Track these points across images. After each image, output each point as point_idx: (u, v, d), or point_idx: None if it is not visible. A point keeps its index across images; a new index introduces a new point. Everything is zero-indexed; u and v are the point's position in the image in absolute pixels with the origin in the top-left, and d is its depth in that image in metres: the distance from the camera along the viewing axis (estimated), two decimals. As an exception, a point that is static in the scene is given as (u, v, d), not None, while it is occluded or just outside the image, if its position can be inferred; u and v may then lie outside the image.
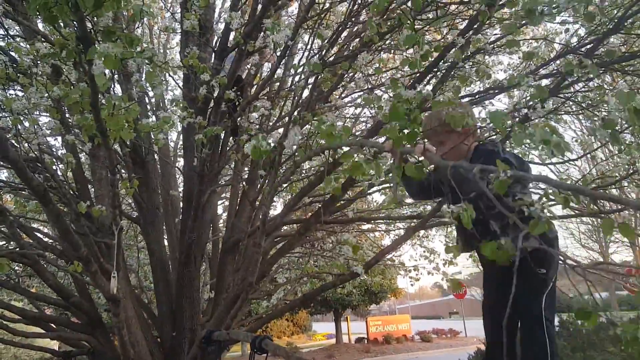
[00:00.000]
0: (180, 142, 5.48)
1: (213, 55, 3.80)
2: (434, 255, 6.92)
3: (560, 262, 2.21)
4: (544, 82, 3.88)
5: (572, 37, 3.94)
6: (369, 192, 5.35)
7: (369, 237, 8.81)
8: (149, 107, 4.85)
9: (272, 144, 2.64)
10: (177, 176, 5.19)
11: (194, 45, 3.25)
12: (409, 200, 4.80)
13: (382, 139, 3.13)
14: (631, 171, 3.81)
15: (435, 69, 3.67)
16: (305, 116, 3.05)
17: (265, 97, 4.13)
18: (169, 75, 5.15)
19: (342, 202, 4.69)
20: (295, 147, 2.92)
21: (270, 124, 4.40)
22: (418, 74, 3.17)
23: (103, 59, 1.58)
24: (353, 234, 6.30)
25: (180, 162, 4.91)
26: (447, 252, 2.26)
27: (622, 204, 1.15)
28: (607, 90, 3.93)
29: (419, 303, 54.39)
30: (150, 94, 4.87)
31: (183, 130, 4.09)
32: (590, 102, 4.23)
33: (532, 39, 4.33)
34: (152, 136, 3.87)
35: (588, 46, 3.59)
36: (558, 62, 3.88)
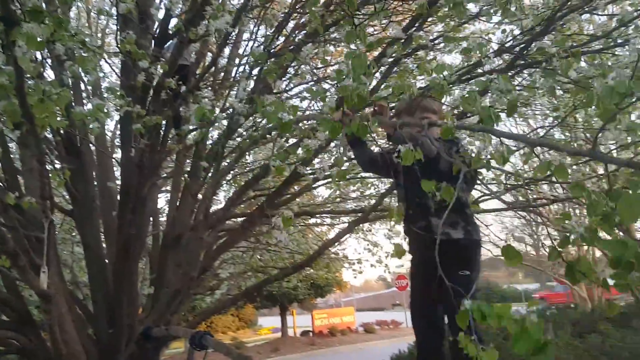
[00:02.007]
0: (118, 132, 5.29)
1: (153, 42, 3.67)
2: (377, 248, 7.04)
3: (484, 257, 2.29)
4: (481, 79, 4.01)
5: (507, 37, 4.09)
6: (313, 186, 5.36)
7: (314, 231, 8.85)
8: (84, 94, 4.64)
9: (216, 136, 2.58)
10: (115, 167, 4.99)
11: (132, 31, 3.12)
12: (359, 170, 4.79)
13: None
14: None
15: (379, 64, 3.71)
16: (255, 101, 2.99)
17: (209, 87, 4.03)
18: (106, 61, 4.94)
19: (287, 195, 4.66)
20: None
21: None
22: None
23: (26, 40, 1.48)
24: (298, 228, 6.30)
25: (118, 153, 4.74)
26: (395, 251, 2.29)
27: (559, 149, 1.19)
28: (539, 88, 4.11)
29: (364, 296, 55.22)
30: (87, 80, 4.66)
31: (120, 119, 3.94)
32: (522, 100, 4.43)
33: (471, 36, 4.45)
34: (88, 125, 3.70)
35: (522, 45, 3.74)
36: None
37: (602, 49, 3.69)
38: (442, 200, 1.56)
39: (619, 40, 3.23)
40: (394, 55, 3.39)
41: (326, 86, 4.39)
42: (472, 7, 3.08)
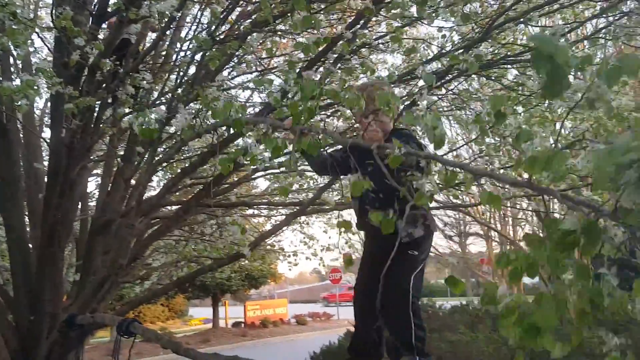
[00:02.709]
0: (48, 111, 5.03)
1: (90, 20, 3.52)
2: (313, 241, 7.10)
3: (430, 250, 2.39)
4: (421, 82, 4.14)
5: (447, 42, 4.24)
6: (253, 177, 5.33)
7: (250, 222, 8.80)
8: (13, 68, 4.37)
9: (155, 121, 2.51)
10: (43, 148, 4.75)
11: (68, 6, 2.98)
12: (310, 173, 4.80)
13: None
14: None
15: (324, 59, 3.74)
16: (198, 91, 2.94)
17: (148, 70, 3.91)
18: (39, 36, 4.68)
19: (225, 185, 4.61)
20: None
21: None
22: (308, 61, 3.20)
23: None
24: (235, 218, 6.24)
25: (48, 133, 4.51)
26: (339, 227, 2.32)
27: (499, 179, 1.28)
28: (474, 93, 4.30)
29: (297, 288, 55.52)
30: (17, 54, 4.39)
31: (51, 98, 3.75)
32: (458, 104, 4.61)
33: (413, 39, 4.57)
34: (16, 101, 3.50)
35: (460, 50, 3.89)
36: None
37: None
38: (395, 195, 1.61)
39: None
40: (338, 52, 3.43)
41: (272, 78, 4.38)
42: (414, 10, 3.18)
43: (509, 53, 4.00)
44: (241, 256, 3.67)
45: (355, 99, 2.14)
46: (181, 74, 3.66)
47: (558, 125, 4.31)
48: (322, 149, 2.10)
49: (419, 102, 3.18)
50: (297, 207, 5.72)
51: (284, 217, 7.10)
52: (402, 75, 3.79)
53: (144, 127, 1.91)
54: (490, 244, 12.86)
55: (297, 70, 3.12)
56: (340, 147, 2.66)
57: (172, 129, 4.49)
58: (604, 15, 3.79)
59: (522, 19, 3.75)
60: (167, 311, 22.00)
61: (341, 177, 2.81)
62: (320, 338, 11.34)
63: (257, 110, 5.18)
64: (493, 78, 4.11)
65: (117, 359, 2.70)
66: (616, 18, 3.36)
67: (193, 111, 4.07)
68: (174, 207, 5.32)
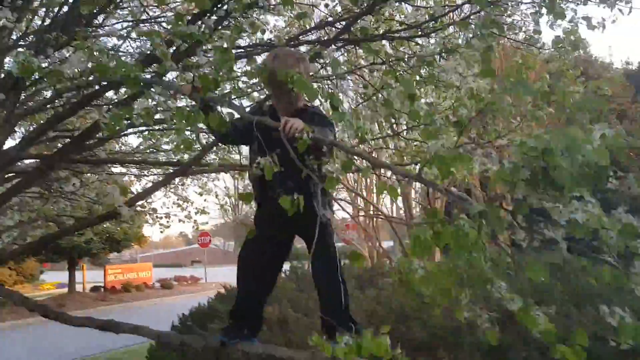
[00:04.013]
0: None
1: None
2: (187, 203, 6.95)
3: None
4: (303, 48, 4.20)
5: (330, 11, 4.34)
6: (124, 133, 5.03)
7: (117, 182, 8.32)
8: None
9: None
10: None
11: None
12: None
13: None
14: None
15: (210, 14, 3.61)
16: (77, 36, 2.70)
17: (8, 7, 3.46)
18: None
19: (94, 140, 4.30)
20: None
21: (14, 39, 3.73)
22: (196, 13, 3.08)
23: None
24: (102, 177, 5.88)
25: None
26: (240, 199, 2.31)
27: (390, 169, 1.39)
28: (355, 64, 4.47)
29: (162, 252, 53.94)
30: None
31: None
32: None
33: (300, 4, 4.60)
34: None
35: (343, 22, 4.01)
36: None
37: (410, 36, 4.15)
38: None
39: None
40: (225, 8, 3.33)
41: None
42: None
43: (389, 29, 4.20)
44: (116, 215, 3.49)
45: (262, 69, 2.13)
46: (50, 14, 3.31)
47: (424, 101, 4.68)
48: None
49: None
50: (172, 168, 5.55)
51: (155, 176, 6.83)
52: (290, 40, 3.81)
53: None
54: (357, 211, 13.61)
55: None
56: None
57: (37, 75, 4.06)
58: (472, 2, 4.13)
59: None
60: (14, 275, 20.14)
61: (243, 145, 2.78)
62: (187, 302, 11.29)
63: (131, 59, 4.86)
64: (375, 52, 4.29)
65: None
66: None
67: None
68: (32, 161, 4.85)
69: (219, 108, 2.10)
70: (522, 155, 0.89)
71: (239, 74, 4.23)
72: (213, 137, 3.62)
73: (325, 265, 2.25)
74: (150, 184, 6.92)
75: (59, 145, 5.07)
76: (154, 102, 3.24)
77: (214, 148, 4.95)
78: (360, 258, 1.47)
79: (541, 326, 1.04)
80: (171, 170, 5.62)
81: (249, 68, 4.07)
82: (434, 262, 1.19)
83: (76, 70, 2.14)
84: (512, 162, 0.91)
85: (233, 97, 4.73)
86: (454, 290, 1.12)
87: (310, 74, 2.75)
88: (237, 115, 2.20)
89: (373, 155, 5.30)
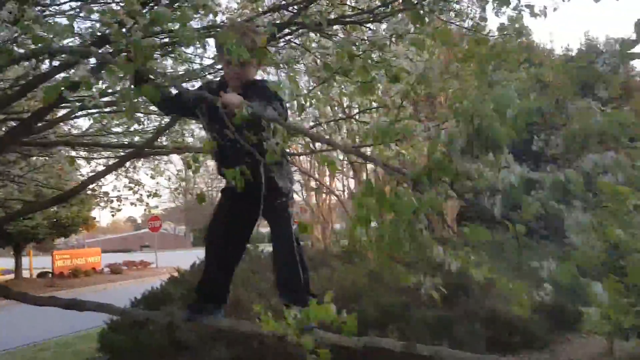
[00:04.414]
0: None
1: None
2: (139, 186, 6.87)
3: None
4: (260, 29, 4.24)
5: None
6: (76, 115, 4.94)
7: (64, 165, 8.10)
8: None
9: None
10: None
11: None
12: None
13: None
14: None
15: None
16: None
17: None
18: None
19: (44, 122, 4.22)
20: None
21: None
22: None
23: None
24: (51, 160, 5.74)
25: None
26: (198, 200, 2.35)
27: (332, 145, 1.50)
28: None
29: (110, 237, 52.54)
30: None
31: None
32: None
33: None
34: None
35: (300, 6, 4.07)
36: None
37: (362, 21, 4.26)
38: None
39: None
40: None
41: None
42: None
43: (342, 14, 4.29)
44: (70, 196, 3.46)
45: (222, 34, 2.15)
46: None
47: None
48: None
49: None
50: (123, 151, 5.49)
51: (105, 159, 6.71)
52: (245, 22, 3.84)
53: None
54: (309, 190, 13.80)
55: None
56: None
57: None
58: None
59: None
60: (-47, 263, 19.27)
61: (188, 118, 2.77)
62: (137, 287, 11.16)
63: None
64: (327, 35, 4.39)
65: None
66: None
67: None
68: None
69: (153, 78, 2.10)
70: (457, 118, 1.00)
71: (191, 56, 4.23)
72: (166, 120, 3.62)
73: (285, 240, 2.30)
74: (99, 167, 6.80)
75: (2, 128, 4.92)
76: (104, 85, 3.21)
77: (167, 131, 4.94)
78: (308, 227, 1.58)
79: (479, 274, 1.17)
80: (122, 153, 5.56)
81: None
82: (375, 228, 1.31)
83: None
84: (448, 130, 1.02)
85: (187, 78, 4.74)
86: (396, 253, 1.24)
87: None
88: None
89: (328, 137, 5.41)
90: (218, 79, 2.78)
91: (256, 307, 1.86)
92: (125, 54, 2.09)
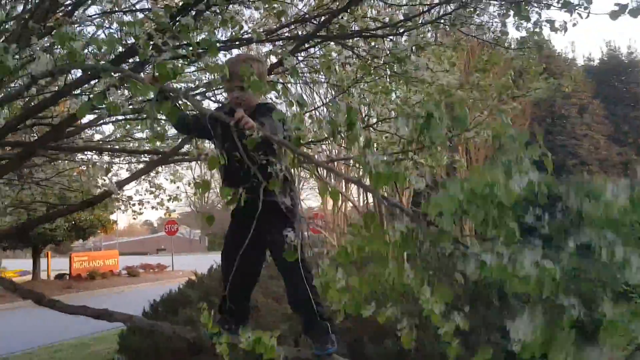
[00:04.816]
0: None
1: None
2: (160, 190, 6.99)
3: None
4: (279, 43, 4.33)
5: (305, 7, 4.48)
6: (102, 122, 5.06)
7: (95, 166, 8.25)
8: None
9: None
10: None
11: None
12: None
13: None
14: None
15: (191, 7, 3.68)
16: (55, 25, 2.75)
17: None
18: None
19: (73, 128, 4.34)
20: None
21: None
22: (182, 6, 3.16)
23: None
24: (76, 164, 5.88)
25: None
26: (197, 188, 2.42)
27: (335, 174, 1.54)
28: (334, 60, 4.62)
29: (127, 240, 53.08)
30: None
31: None
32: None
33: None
34: None
35: (322, 18, 4.14)
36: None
37: (384, 34, 4.32)
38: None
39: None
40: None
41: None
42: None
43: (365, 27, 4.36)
44: (105, 197, 3.56)
45: (217, 66, 2.22)
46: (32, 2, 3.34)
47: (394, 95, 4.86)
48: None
49: (285, 64, 3.35)
50: (147, 156, 5.61)
51: (127, 165, 6.85)
52: (269, 33, 3.93)
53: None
54: (325, 199, 13.83)
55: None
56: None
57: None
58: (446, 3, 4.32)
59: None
60: (-26, 263, 19.65)
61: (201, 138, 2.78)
62: (154, 289, 11.27)
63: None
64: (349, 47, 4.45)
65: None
66: (456, 7, 3.89)
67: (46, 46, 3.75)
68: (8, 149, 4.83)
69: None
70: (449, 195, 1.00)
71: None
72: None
73: (291, 265, 2.16)
74: (122, 172, 6.95)
75: (32, 132, 5.06)
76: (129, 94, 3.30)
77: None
78: (335, 194, 1.63)
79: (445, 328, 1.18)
80: (146, 158, 5.68)
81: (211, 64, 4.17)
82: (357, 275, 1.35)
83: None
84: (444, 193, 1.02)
85: (204, 90, 4.83)
86: (365, 303, 1.28)
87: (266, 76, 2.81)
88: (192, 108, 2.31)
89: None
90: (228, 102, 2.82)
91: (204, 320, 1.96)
92: (151, 73, 2.14)
